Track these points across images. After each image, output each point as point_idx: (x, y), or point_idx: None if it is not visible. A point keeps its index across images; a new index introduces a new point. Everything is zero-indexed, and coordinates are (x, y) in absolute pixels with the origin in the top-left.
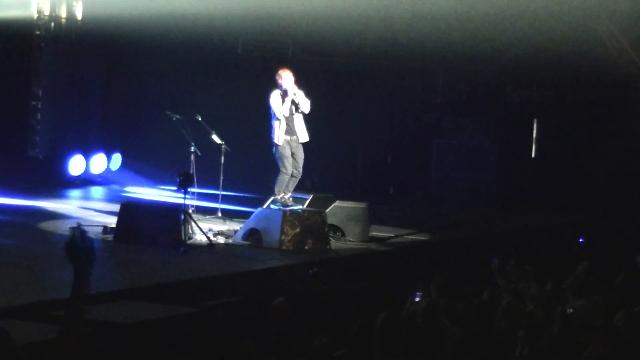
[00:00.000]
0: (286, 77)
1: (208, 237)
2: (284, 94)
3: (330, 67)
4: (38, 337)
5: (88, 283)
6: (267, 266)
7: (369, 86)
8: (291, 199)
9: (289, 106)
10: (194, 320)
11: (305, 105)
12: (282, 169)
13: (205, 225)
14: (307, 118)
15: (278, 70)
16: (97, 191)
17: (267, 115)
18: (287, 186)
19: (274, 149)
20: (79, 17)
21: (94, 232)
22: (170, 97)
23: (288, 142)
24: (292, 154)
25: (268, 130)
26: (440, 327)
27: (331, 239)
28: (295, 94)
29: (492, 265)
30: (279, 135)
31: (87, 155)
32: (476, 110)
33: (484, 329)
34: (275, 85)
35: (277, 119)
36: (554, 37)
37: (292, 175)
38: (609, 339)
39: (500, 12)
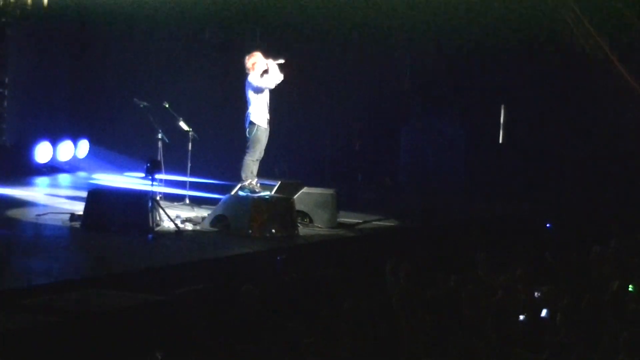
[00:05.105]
0: (259, 57)
1: (176, 224)
2: (264, 72)
3: (298, 53)
4: (4, 325)
5: None
6: (235, 253)
7: (337, 72)
8: (259, 185)
9: (271, 79)
10: (162, 308)
11: (278, 73)
12: (251, 152)
13: (173, 212)
14: (272, 103)
15: (248, 57)
16: (64, 178)
17: (234, 102)
18: (252, 171)
19: (254, 129)
20: (45, 3)
21: (61, 219)
22: (137, 84)
23: (266, 126)
24: None
25: (244, 113)
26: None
27: (299, 225)
28: (273, 63)
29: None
30: (262, 118)
31: (54, 142)
32: (444, 97)
33: (453, 317)
34: (246, 72)
35: (257, 103)
36: (521, 22)
37: (256, 159)
38: (574, 322)
39: None
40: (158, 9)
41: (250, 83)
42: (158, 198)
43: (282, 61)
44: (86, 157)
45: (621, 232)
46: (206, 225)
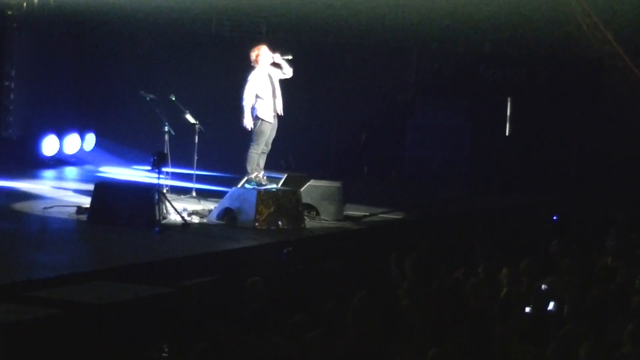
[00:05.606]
0: (264, 50)
1: (182, 217)
2: (271, 66)
3: (304, 46)
4: (11, 318)
5: None
6: (241, 246)
7: (343, 65)
8: (265, 178)
9: (270, 85)
10: (169, 300)
11: (288, 68)
12: (255, 145)
13: (179, 205)
14: (282, 95)
15: (253, 50)
16: (71, 171)
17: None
18: (258, 163)
19: (258, 123)
20: None
21: (68, 212)
22: (143, 76)
23: (272, 120)
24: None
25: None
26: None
27: (306, 218)
28: (279, 58)
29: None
30: (267, 112)
31: (60, 135)
32: (450, 89)
33: (458, 308)
34: (251, 66)
35: (261, 96)
36: (528, 15)
37: (261, 152)
38: (579, 314)
39: None
40: (165, 2)
41: (247, 83)
42: (164, 191)
43: (289, 57)
44: (93, 149)
45: (626, 224)
46: (212, 218)
